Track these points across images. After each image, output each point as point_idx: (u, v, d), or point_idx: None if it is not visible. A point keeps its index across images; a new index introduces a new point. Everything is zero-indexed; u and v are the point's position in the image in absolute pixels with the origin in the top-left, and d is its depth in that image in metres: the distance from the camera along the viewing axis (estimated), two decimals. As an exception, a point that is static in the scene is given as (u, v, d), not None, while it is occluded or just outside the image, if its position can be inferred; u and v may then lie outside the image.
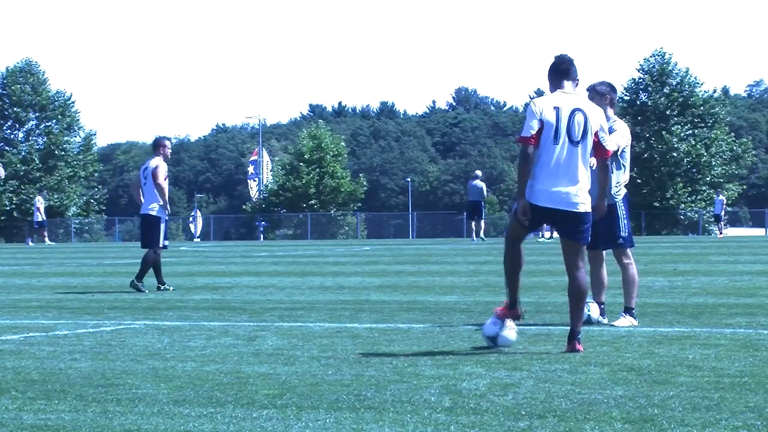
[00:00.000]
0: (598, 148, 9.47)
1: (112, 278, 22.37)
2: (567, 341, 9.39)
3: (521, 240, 9.55)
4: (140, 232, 19.74)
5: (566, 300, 14.78)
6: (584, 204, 9.37)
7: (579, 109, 9.36)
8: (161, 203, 18.96)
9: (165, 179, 18.93)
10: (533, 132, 9.23)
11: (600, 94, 11.72)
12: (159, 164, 19.08)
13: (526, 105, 9.52)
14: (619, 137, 11.69)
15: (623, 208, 11.78)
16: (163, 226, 19.05)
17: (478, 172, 45.92)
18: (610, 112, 11.83)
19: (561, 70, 9.55)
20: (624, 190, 11.83)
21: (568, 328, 11.35)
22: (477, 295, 15.97)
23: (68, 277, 23.23)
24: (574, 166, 9.30)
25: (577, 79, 9.64)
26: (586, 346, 9.62)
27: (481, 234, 43.49)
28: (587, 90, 11.92)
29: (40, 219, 54.07)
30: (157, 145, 19.49)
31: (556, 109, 9.29)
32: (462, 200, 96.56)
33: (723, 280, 18.23)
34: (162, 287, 18.60)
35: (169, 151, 19.52)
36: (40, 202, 54.25)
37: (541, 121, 9.23)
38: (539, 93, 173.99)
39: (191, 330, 11.77)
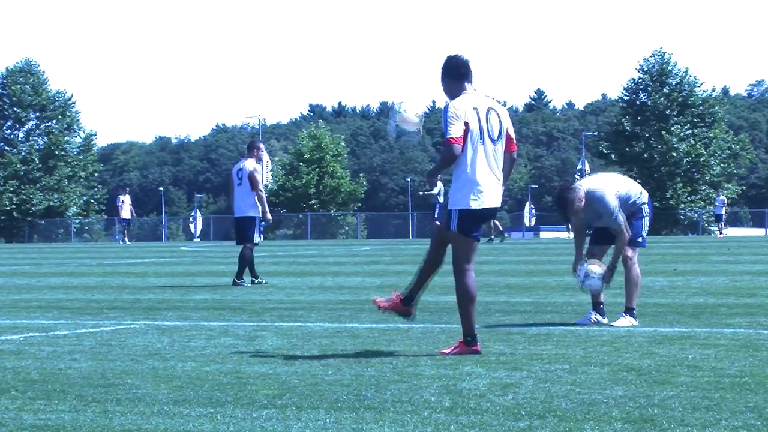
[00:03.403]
0: (509, 143, 9.44)
1: (112, 278, 22.36)
2: (465, 343, 9.21)
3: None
4: (237, 232, 20.17)
5: (566, 300, 14.84)
6: None
7: (492, 108, 9.34)
8: (259, 207, 19.65)
9: (262, 182, 19.78)
10: (461, 134, 9.11)
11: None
12: (256, 168, 19.71)
13: (445, 108, 9.34)
14: None
15: (648, 208, 11.83)
16: (257, 224, 19.78)
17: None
18: None
19: (462, 74, 9.36)
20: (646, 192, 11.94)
21: (566, 327, 11.36)
22: (477, 295, 15.93)
23: (68, 277, 23.22)
24: (498, 163, 9.32)
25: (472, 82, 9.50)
26: (586, 346, 9.62)
27: None
28: None
29: (128, 217, 53.46)
30: (251, 147, 20.22)
31: (475, 109, 9.22)
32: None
33: (723, 280, 18.22)
34: (257, 281, 19.45)
35: (263, 153, 20.27)
36: (121, 201, 53.27)
37: (466, 123, 9.15)
38: (539, 93, 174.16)
39: (191, 330, 11.76)
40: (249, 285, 19.23)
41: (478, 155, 9.19)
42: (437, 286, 18.13)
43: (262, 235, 20.05)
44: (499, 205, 9.35)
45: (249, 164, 19.71)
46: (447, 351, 9.25)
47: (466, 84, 9.35)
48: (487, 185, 9.21)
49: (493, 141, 9.26)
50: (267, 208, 19.82)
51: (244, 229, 19.68)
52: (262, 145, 20.43)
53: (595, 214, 11.53)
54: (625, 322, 11.46)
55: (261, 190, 19.67)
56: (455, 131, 9.13)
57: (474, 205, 9.20)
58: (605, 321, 11.68)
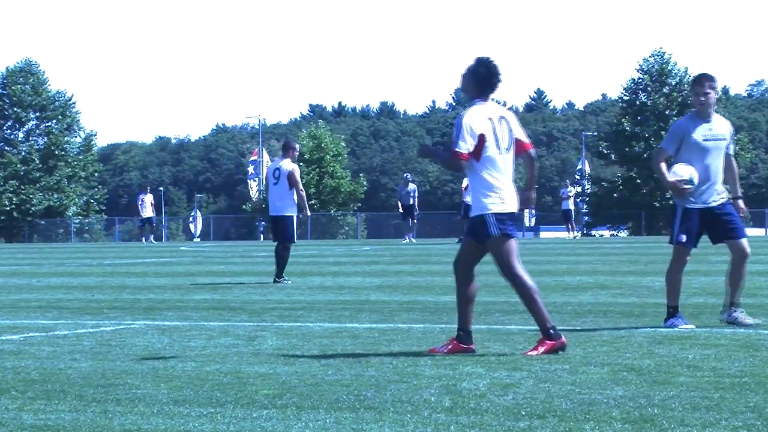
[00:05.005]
0: (521, 145, 9.51)
1: (112, 278, 22.37)
2: (548, 337, 9.16)
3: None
4: (273, 230, 20.61)
5: (566, 300, 14.84)
6: None
7: (503, 117, 9.43)
8: (301, 206, 20.11)
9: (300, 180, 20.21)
10: (471, 149, 9.19)
11: (714, 89, 11.15)
12: (294, 168, 20.15)
13: (459, 119, 9.35)
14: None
15: None
16: (294, 223, 20.22)
17: (408, 175, 48.57)
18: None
19: (491, 84, 9.40)
20: None
21: (566, 327, 11.36)
22: (477, 295, 15.93)
23: (68, 277, 23.23)
24: (509, 172, 9.41)
25: None
26: (586, 346, 9.61)
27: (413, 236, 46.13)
28: (695, 82, 11.18)
29: (147, 216, 52.59)
30: (288, 148, 20.65)
31: (490, 119, 9.31)
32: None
33: (723, 280, 18.18)
34: (279, 281, 19.79)
35: (297, 154, 20.62)
36: (141, 200, 52.28)
37: (482, 136, 9.22)
38: (539, 93, 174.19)
39: (191, 330, 11.77)
40: (290, 282, 19.61)
41: (496, 164, 9.28)
42: (437, 286, 18.14)
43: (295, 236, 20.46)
44: (516, 210, 9.41)
45: (287, 164, 20.16)
46: (532, 352, 9.08)
47: (490, 94, 9.44)
48: (505, 192, 9.30)
49: (506, 150, 9.36)
50: (306, 205, 20.39)
51: (283, 228, 20.04)
52: (297, 146, 20.90)
53: (727, 128, 11.26)
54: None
55: (302, 189, 20.15)
56: (464, 146, 9.21)
57: (502, 208, 9.28)
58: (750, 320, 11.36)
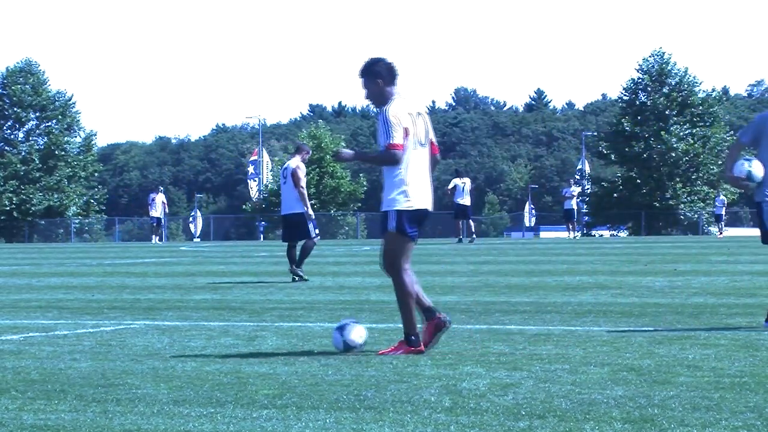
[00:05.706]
0: (432, 146, 9.62)
1: (112, 278, 22.36)
2: (408, 342, 9.31)
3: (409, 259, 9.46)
4: (284, 230, 20.74)
5: (566, 300, 14.84)
6: None
7: (420, 113, 9.53)
8: (303, 204, 20.12)
9: (304, 179, 20.17)
10: (403, 141, 9.26)
11: None
12: (299, 165, 20.25)
13: (383, 114, 9.41)
14: None
15: None
16: (307, 218, 20.22)
17: None
18: None
19: (395, 76, 9.50)
20: None
21: (566, 327, 11.36)
22: (477, 295, 15.96)
23: (68, 277, 23.22)
24: (426, 167, 9.51)
25: None
26: (586, 346, 9.61)
27: None
28: None
29: (158, 215, 51.77)
30: (298, 149, 20.99)
31: (410, 114, 9.41)
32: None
33: (723, 280, 18.21)
34: (297, 279, 19.80)
35: (308, 156, 20.79)
36: (152, 199, 51.66)
37: (406, 129, 9.31)
38: (539, 93, 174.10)
39: (191, 330, 11.77)
40: (292, 279, 19.61)
41: (413, 159, 9.37)
42: (437, 286, 18.13)
43: (317, 229, 20.43)
44: (431, 208, 9.47)
45: (293, 162, 20.39)
46: (386, 351, 9.30)
47: (395, 88, 9.52)
48: (420, 188, 9.40)
49: (421, 145, 9.48)
50: (308, 205, 20.31)
51: (296, 226, 20.15)
52: (309, 149, 21.12)
53: None
54: None
55: (303, 187, 20.19)
56: (399, 137, 9.28)
57: (410, 205, 9.34)
58: None
